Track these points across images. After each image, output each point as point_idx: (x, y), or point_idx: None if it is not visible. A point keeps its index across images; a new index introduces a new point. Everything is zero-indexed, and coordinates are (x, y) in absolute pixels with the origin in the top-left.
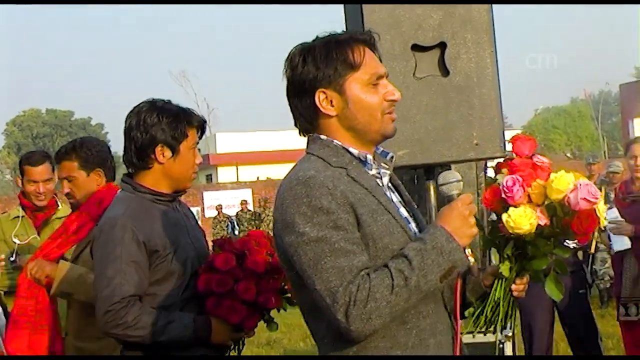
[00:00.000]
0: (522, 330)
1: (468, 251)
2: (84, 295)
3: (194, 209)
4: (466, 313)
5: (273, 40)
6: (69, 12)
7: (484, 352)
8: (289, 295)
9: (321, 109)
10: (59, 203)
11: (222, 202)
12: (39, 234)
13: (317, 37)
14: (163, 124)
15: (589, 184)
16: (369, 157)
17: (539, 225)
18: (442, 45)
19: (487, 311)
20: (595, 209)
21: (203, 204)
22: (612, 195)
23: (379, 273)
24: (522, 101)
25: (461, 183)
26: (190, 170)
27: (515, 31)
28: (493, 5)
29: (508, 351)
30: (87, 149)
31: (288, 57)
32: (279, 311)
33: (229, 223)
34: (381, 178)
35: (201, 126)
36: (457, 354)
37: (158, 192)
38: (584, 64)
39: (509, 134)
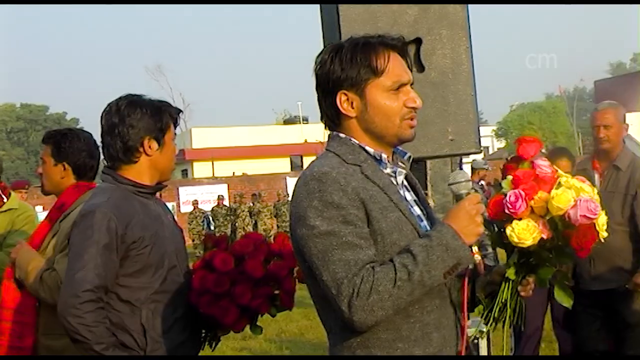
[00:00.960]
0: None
1: (474, 249)
2: (26, 282)
3: (169, 204)
4: (476, 310)
5: (250, 35)
6: (44, 7)
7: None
8: (277, 302)
9: (341, 109)
10: (4, 197)
11: (197, 197)
12: None
13: (350, 37)
14: (147, 117)
15: (588, 200)
16: (384, 156)
17: (541, 238)
18: (418, 41)
19: (495, 311)
20: (594, 224)
21: (179, 199)
22: None
23: (384, 267)
24: (497, 97)
25: (470, 183)
26: (173, 162)
27: (490, 27)
28: (470, 3)
29: (483, 347)
30: (64, 139)
31: (319, 54)
32: (262, 316)
33: (205, 218)
34: (396, 177)
35: (178, 117)
36: (463, 349)
37: (140, 184)
38: (559, 61)
39: (484, 130)
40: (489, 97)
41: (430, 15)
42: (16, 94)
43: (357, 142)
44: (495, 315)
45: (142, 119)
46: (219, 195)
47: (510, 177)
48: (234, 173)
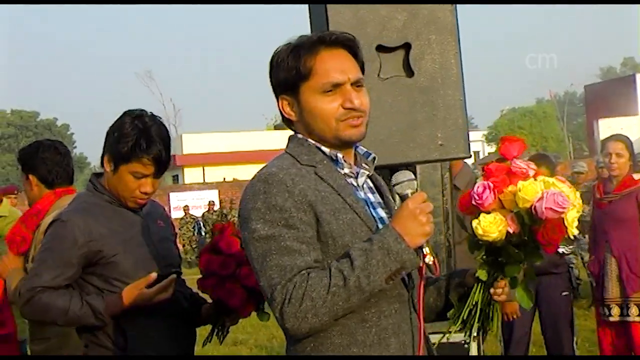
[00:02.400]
0: (501, 325)
1: (426, 250)
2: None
3: None
4: (448, 314)
5: (240, 40)
6: (34, 12)
7: (452, 352)
8: None
9: (284, 114)
10: None
11: (188, 203)
12: None
13: (299, 37)
14: (114, 138)
15: (556, 193)
16: (340, 155)
17: (508, 232)
18: (407, 46)
19: (464, 313)
20: (562, 219)
21: (169, 204)
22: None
23: (319, 272)
24: (487, 102)
25: (414, 182)
26: (126, 194)
27: (480, 32)
28: (457, 6)
29: (473, 351)
30: (26, 153)
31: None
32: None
33: (196, 224)
34: (356, 177)
35: (153, 161)
36: (420, 352)
37: (114, 195)
38: (550, 65)
39: (475, 135)
40: (479, 102)
41: (419, 21)
42: (7, 100)
43: (313, 142)
44: (464, 317)
45: (110, 136)
46: (209, 201)
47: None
48: (224, 178)
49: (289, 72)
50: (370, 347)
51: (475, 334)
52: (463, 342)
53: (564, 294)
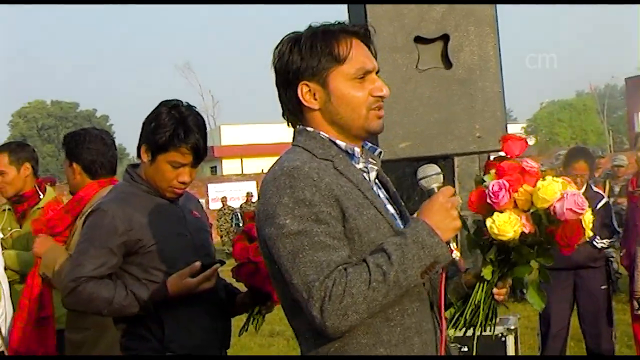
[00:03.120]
0: (539, 320)
1: (453, 245)
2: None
3: None
4: (447, 314)
5: (279, 31)
6: (75, 5)
7: (486, 346)
8: None
9: (304, 102)
10: (40, 193)
11: (226, 194)
12: (20, 227)
13: (309, 26)
14: (151, 128)
15: (576, 194)
16: (357, 150)
17: (523, 232)
18: (445, 38)
19: (466, 313)
20: (581, 220)
21: (208, 195)
22: (617, 189)
23: (357, 268)
24: (527, 95)
25: (441, 176)
26: (164, 184)
27: (520, 25)
28: (498, 3)
29: (510, 345)
30: (72, 140)
31: (276, 46)
32: None
33: (233, 215)
34: (368, 173)
35: (191, 151)
36: (442, 353)
37: (152, 185)
38: (590, 58)
39: (513, 128)
40: (519, 94)
41: (457, 12)
42: (47, 91)
43: (326, 135)
44: (467, 317)
45: (147, 126)
46: (247, 192)
47: (494, 170)
48: (262, 170)
49: (320, 57)
50: (396, 346)
51: (473, 333)
52: (500, 335)
53: (602, 287)
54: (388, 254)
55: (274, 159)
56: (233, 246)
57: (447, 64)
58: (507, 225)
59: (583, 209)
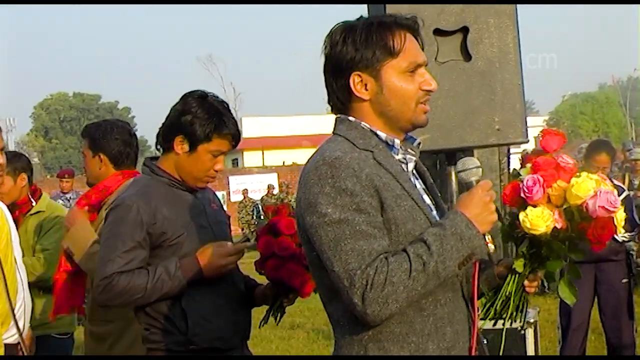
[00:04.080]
0: (559, 313)
1: (488, 238)
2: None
3: (219, 193)
4: (478, 303)
5: (300, 25)
6: None
7: (508, 338)
8: None
9: (355, 91)
10: (33, 201)
11: (247, 186)
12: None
13: (361, 16)
14: (188, 119)
15: (609, 192)
16: (397, 141)
17: (555, 227)
18: (465, 30)
19: (497, 304)
20: (613, 218)
21: (229, 188)
22: (637, 182)
23: (397, 257)
24: (549, 87)
25: (480, 170)
26: (201, 173)
27: (540, 16)
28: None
29: (530, 338)
30: (98, 131)
31: (329, 34)
32: None
33: (254, 207)
34: (407, 164)
35: (233, 138)
36: (474, 343)
37: (175, 178)
38: (613, 50)
39: (535, 120)
40: (541, 87)
41: (477, 4)
42: (69, 83)
43: (367, 126)
44: (498, 308)
45: (187, 116)
46: (268, 185)
47: (529, 165)
48: (284, 162)
49: (374, 48)
50: (428, 336)
51: (524, 319)
52: (519, 328)
53: (623, 281)
54: (428, 245)
55: (295, 152)
56: (257, 239)
57: (467, 56)
58: (539, 219)
59: (616, 207)
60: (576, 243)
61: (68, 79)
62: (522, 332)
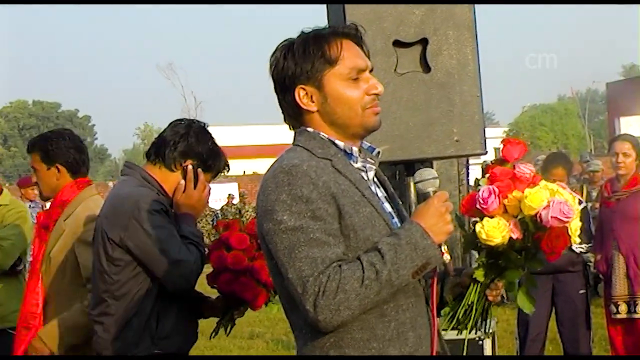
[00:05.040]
0: (517, 323)
1: (444, 248)
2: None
3: None
4: (442, 312)
5: (261, 33)
6: (58, 4)
7: (466, 349)
8: None
9: (302, 105)
10: None
11: None
12: None
13: (301, 32)
14: (207, 150)
15: (562, 202)
16: (355, 149)
17: (511, 238)
18: (424, 42)
19: (459, 313)
20: (567, 228)
21: None
22: (594, 194)
23: (351, 265)
24: (509, 98)
25: (437, 180)
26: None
27: (502, 29)
28: (477, 3)
29: (487, 348)
30: (49, 142)
31: (272, 54)
32: None
33: (214, 217)
34: (366, 172)
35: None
36: (434, 348)
37: (164, 192)
38: (572, 62)
39: (495, 132)
40: (501, 98)
41: (436, 16)
42: (28, 91)
43: (325, 135)
44: (460, 317)
45: (200, 148)
46: (229, 194)
47: (487, 175)
48: (244, 172)
49: (312, 60)
50: (390, 341)
51: (482, 330)
52: (477, 339)
53: (580, 292)
54: (382, 253)
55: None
56: (209, 253)
57: (426, 67)
58: (495, 230)
59: (569, 217)
60: (533, 253)
61: (27, 87)
62: (480, 342)
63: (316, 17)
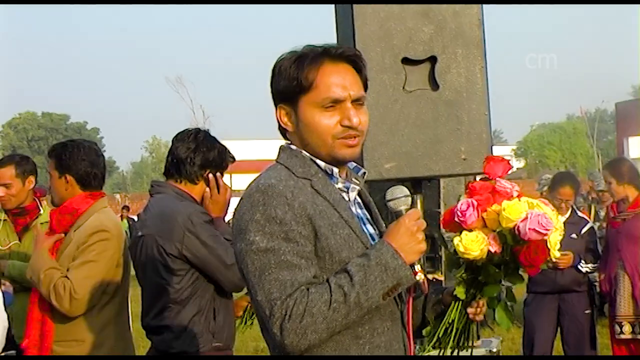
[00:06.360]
0: (523, 342)
1: (417, 267)
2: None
3: None
4: (424, 332)
5: (271, 47)
6: (67, 16)
7: None
8: None
9: (281, 123)
10: (40, 208)
11: None
12: (20, 240)
13: (304, 47)
14: (221, 154)
15: (540, 215)
16: (335, 170)
17: (490, 252)
18: (433, 59)
19: (439, 331)
20: (545, 241)
21: None
22: (602, 214)
23: (319, 288)
24: (518, 117)
25: (409, 198)
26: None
27: (511, 47)
28: (485, 20)
29: None
30: (64, 151)
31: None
32: None
33: None
34: (348, 192)
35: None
36: None
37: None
38: (581, 82)
39: (503, 150)
40: (509, 117)
41: (445, 34)
42: (38, 103)
43: (307, 154)
44: (440, 335)
45: (218, 156)
46: (235, 208)
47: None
48: None
49: (289, 82)
50: None
51: (449, 352)
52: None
53: (586, 312)
54: (350, 275)
55: None
56: None
57: (434, 85)
58: (473, 244)
59: (547, 230)
60: (513, 268)
61: (37, 99)
62: None
63: (326, 34)
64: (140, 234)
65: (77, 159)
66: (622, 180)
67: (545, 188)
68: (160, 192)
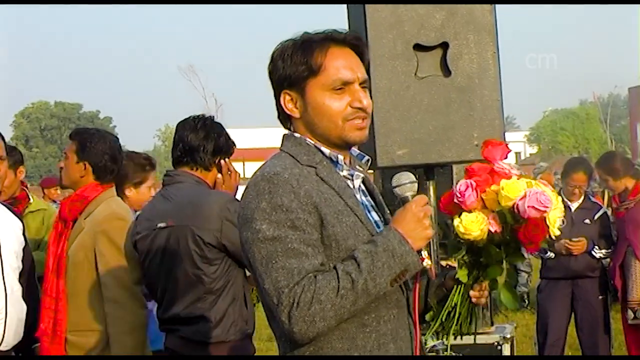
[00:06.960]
0: (536, 328)
1: (424, 253)
2: None
3: None
4: (427, 317)
5: (283, 35)
6: (80, 5)
7: (485, 353)
8: None
9: (286, 110)
10: (30, 197)
11: None
12: None
13: (304, 33)
14: (227, 140)
15: (539, 192)
16: (340, 157)
17: (490, 232)
18: (445, 46)
19: (442, 315)
20: (544, 218)
21: None
22: None
23: (326, 275)
24: (530, 103)
25: (415, 184)
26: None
27: (522, 32)
28: (497, 6)
29: (506, 353)
30: (90, 139)
31: (272, 53)
32: None
33: None
34: (353, 180)
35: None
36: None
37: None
38: (594, 67)
39: (516, 136)
40: (522, 103)
41: (457, 20)
42: (51, 91)
43: (312, 142)
44: (443, 319)
45: (226, 142)
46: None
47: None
48: None
49: (297, 67)
50: (371, 352)
51: (452, 338)
52: (496, 344)
53: (600, 297)
54: (358, 262)
55: None
56: None
57: (446, 71)
58: (473, 224)
59: (547, 207)
60: (514, 247)
61: (49, 88)
62: (499, 347)
63: (338, 20)
64: (162, 225)
65: (101, 150)
66: (617, 176)
67: (540, 176)
68: (179, 182)
